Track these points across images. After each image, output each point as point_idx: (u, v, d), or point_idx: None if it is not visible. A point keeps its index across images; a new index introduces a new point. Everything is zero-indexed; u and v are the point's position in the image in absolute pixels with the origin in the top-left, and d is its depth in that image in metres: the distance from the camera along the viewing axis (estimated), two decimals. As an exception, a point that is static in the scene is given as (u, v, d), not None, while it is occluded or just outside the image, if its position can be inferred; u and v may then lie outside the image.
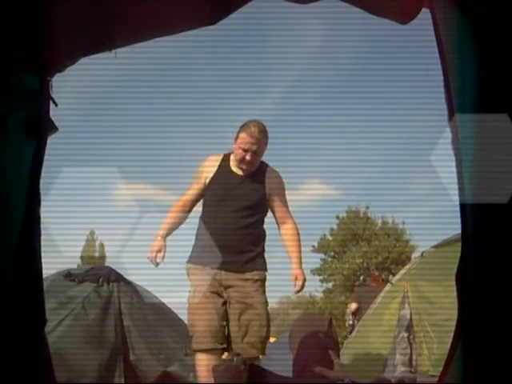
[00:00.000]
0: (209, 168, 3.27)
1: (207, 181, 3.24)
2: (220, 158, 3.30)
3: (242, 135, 3.16)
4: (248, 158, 3.16)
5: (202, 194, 3.27)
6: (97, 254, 23.18)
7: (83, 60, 1.87)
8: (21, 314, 1.73)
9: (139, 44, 1.93)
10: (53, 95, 1.81)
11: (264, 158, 3.26)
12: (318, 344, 3.89)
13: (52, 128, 1.82)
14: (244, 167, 3.20)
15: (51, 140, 1.87)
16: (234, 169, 3.25)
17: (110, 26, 1.81)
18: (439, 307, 4.45)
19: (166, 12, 1.80)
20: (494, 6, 1.63)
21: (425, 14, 1.96)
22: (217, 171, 3.24)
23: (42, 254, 1.88)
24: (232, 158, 3.26)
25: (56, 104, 1.81)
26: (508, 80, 1.57)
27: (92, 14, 1.76)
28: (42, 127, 1.75)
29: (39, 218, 1.85)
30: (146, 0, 1.81)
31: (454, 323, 1.75)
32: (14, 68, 1.69)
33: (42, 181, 1.80)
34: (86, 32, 1.80)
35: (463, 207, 1.76)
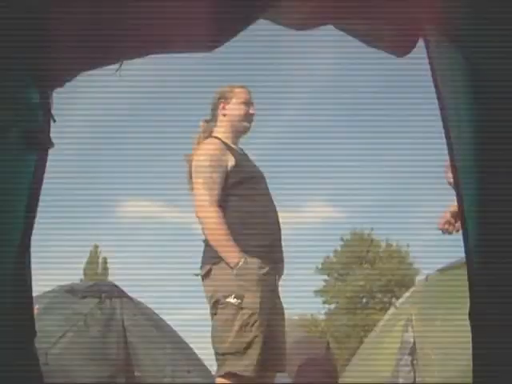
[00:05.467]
0: (225, 156, 2.61)
1: (229, 168, 2.59)
2: (215, 141, 2.66)
3: (238, 90, 2.70)
4: (252, 111, 2.71)
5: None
6: (99, 270, 23.14)
7: (83, 75, 1.86)
8: (11, 324, 1.72)
9: (141, 60, 1.90)
10: (53, 111, 1.81)
11: (268, 179, 2.74)
12: (317, 367, 3.88)
13: (48, 143, 1.80)
14: (248, 125, 2.73)
15: (56, 155, 1.87)
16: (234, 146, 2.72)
17: (110, 42, 1.80)
18: (443, 331, 4.41)
19: (165, 31, 1.79)
20: (485, 39, 1.66)
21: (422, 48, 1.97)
22: (233, 154, 2.63)
23: (45, 267, 1.87)
24: (223, 135, 2.71)
25: (54, 120, 1.81)
26: (503, 114, 1.60)
27: (92, 28, 1.77)
28: (41, 141, 1.76)
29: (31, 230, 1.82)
30: (146, 17, 1.80)
31: (457, 346, 1.74)
32: (14, 81, 1.70)
33: (47, 195, 1.81)
34: (85, 47, 1.79)
35: (465, 232, 1.77)
